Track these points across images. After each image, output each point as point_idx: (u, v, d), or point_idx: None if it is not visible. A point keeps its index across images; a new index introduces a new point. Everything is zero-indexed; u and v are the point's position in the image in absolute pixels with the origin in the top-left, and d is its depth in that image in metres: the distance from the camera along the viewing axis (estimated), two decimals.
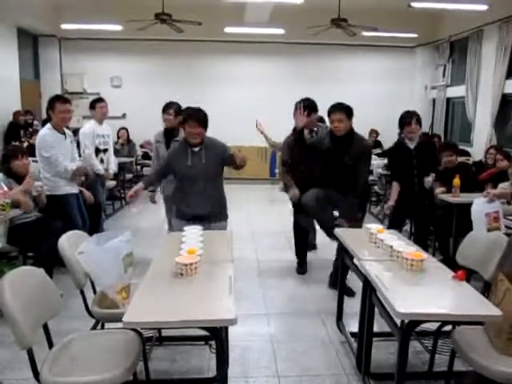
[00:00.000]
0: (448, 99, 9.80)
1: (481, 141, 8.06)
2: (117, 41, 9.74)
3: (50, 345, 2.19)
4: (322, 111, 4.23)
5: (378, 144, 9.13)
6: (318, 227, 4.44)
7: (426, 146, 4.40)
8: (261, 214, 5.83)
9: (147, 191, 4.20)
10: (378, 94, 10.29)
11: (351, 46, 9.77)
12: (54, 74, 9.92)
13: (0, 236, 3.72)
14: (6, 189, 3.69)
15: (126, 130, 8.53)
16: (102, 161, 5.34)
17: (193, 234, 2.92)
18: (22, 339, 1.90)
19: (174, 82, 9.89)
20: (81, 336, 2.35)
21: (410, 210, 4.53)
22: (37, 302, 2.09)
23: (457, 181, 4.52)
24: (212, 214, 3.60)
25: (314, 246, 5.16)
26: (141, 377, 2.56)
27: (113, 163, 5.59)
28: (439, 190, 4.77)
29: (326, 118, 4.10)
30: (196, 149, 3.60)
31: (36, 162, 4.38)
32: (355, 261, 2.92)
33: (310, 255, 4.82)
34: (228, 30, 8.89)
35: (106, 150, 5.40)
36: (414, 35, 9.36)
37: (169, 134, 4.42)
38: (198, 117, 3.55)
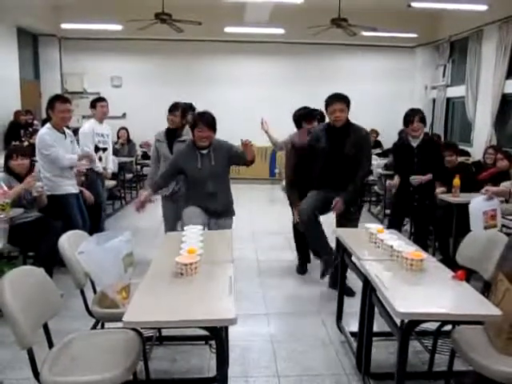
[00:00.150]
0: (448, 99, 9.81)
1: (481, 141, 8.06)
2: (117, 40, 9.74)
3: (50, 345, 2.19)
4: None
5: (378, 144, 9.13)
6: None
7: (429, 145, 4.38)
8: (261, 213, 5.84)
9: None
10: (378, 94, 10.29)
11: (351, 45, 9.77)
12: (53, 74, 9.92)
13: (0, 236, 3.73)
14: (5, 188, 3.69)
15: (126, 129, 8.53)
16: (100, 159, 5.35)
17: (193, 233, 2.92)
18: (22, 339, 1.91)
19: (173, 82, 9.89)
20: (81, 336, 2.35)
21: (409, 209, 4.53)
22: (37, 302, 2.09)
23: (457, 181, 4.52)
24: (221, 212, 3.74)
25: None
26: (141, 376, 2.56)
27: (111, 163, 5.60)
28: (439, 190, 4.77)
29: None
30: (204, 151, 3.69)
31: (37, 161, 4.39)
32: (355, 260, 2.92)
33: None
34: (228, 29, 8.89)
35: (105, 149, 5.40)
36: (414, 35, 9.36)
37: (171, 134, 4.40)
38: (207, 120, 3.65)
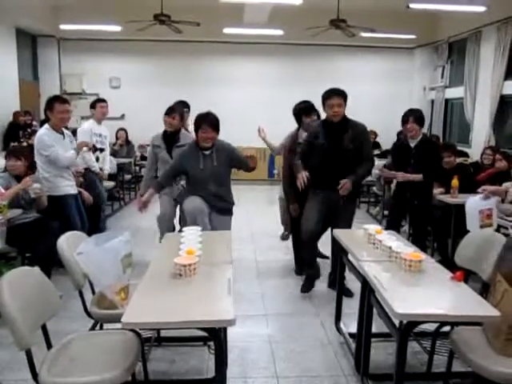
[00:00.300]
0: (447, 100, 9.82)
1: (479, 142, 8.07)
2: (116, 41, 9.74)
3: (49, 345, 2.18)
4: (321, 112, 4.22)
5: (376, 145, 9.13)
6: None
7: (427, 146, 4.38)
8: (259, 214, 5.85)
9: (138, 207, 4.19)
10: (376, 95, 10.30)
11: (350, 47, 9.78)
12: (52, 75, 9.91)
13: None
14: (2, 190, 3.70)
15: (125, 130, 8.53)
16: (97, 159, 5.36)
17: (191, 234, 2.92)
18: (20, 340, 1.90)
19: (172, 83, 9.89)
20: (80, 337, 2.35)
21: (406, 209, 4.53)
22: (35, 303, 2.09)
23: (455, 181, 4.53)
24: (221, 208, 3.80)
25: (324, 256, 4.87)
26: (139, 377, 2.56)
27: (108, 164, 5.63)
28: (438, 191, 4.78)
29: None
30: (207, 152, 3.73)
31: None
32: (353, 261, 2.92)
33: None
34: (227, 30, 8.89)
35: (102, 150, 5.41)
36: (413, 36, 9.37)
37: (169, 138, 4.37)
38: (211, 122, 3.69)
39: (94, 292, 2.77)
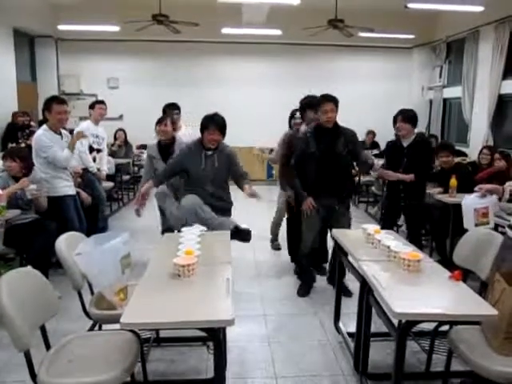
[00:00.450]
0: (445, 100, 9.82)
1: (477, 141, 8.07)
2: (114, 42, 9.72)
3: (48, 346, 2.18)
4: None
5: (375, 145, 9.15)
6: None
7: (420, 146, 4.39)
8: (258, 215, 5.84)
9: (135, 207, 4.24)
10: (375, 94, 10.30)
11: (348, 46, 9.78)
12: (50, 75, 9.88)
13: None
14: (0, 192, 3.70)
15: (124, 131, 8.52)
16: (94, 160, 5.36)
17: (190, 235, 2.92)
18: (18, 341, 1.90)
19: (171, 83, 9.89)
20: (78, 337, 2.35)
21: (398, 209, 4.54)
22: (34, 304, 2.09)
23: (453, 181, 4.53)
24: (219, 209, 3.80)
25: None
26: (139, 378, 2.56)
27: (105, 165, 5.65)
28: (436, 191, 4.79)
29: None
30: (209, 152, 3.73)
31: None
32: (352, 261, 2.92)
33: None
34: (225, 30, 8.88)
35: (99, 150, 5.42)
36: (411, 36, 9.37)
37: (164, 150, 4.35)
38: (217, 124, 3.71)
39: (92, 293, 2.77)
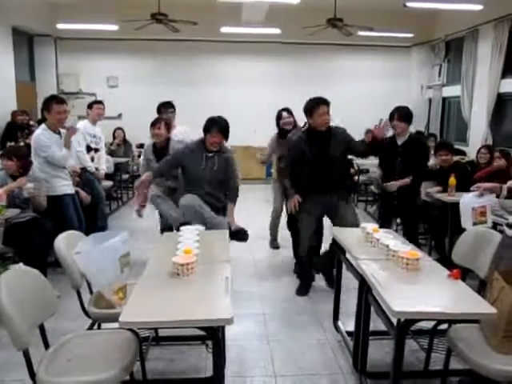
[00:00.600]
0: (444, 99, 9.83)
1: (477, 140, 8.07)
2: (113, 41, 9.71)
3: (47, 345, 2.18)
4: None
5: None
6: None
7: (414, 145, 4.39)
8: (257, 213, 5.84)
9: (136, 208, 4.37)
10: (374, 93, 10.29)
11: (347, 45, 9.77)
12: (49, 74, 9.87)
13: None
14: (0, 191, 3.71)
15: (122, 130, 8.52)
16: (92, 159, 5.36)
17: (189, 233, 2.92)
18: (17, 340, 1.90)
19: (170, 82, 9.88)
20: (77, 336, 2.35)
21: (393, 209, 4.54)
22: (33, 303, 2.09)
23: (452, 180, 4.54)
24: (217, 209, 3.83)
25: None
26: (137, 376, 2.56)
27: (104, 164, 5.65)
28: (435, 190, 4.80)
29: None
30: (210, 154, 3.75)
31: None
32: (351, 260, 2.93)
33: None
34: (224, 29, 8.87)
35: (97, 150, 5.42)
36: (410, 35, 9.37)
37: (159, 152, 4.35)
38: (220, 127, 3.73)
39: (91, 292, 2.77)
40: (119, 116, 9.99)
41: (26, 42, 9.53)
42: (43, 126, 4.29)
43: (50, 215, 4.15)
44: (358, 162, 7.49)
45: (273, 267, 4.84)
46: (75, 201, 4.51)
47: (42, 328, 2.16)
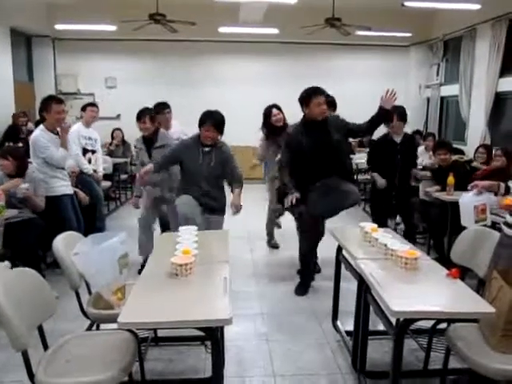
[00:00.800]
0: (442, 98, 9.84)
1: (475, 139, 8.08)
2: (111, 41, 9.70)
3: (45, 346, 2.18)
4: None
5: (372, 142, 9.13)
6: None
7: (411, 142, 4.55)
8: (256, 213, 5.83)
9: (133, 198, 4.53)
10: (372, 92, 10.18)
11: (345, 45, 9.77)
12: (47, 75, 9.85)
13: None
14: (0, 192, 3.71)
15: (121, 130, 8.51)
16: (89, 161, 5.36)
17: (188, 234, 2.92)
18: (16, 341, 1.90)
19: (168, 83, 9.88)
20: (76, 337, 2.35)
21: (391, 206, 4.54)
22: (31, 304, 2.08)
23: (451, 179, 4.54)
24: (213, 207, 3.83)
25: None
26: (136, 377, 2.56)
27: (101, 166, 5.65)
28: (433, 189, 4.80)
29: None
30: (207, 149, 3.73)
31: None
32: (350, 259, 2.93)
33: None
34: (222, 29, 8.88)
35: (93, 152, 5.42)
36: (408, 34, 9.37)
37: (148, 141, 4.41)
38: (214, 121, 3.70)
39: (90, 292, 2.76)
40: (118, 117, 9.98)
41: (24, 43, 9.52)
42: (41, 126, 4.28)
43: (48, 216, 4.14)
44: (357, 161, 7.50)
45: (271, 267, 4.84)
46: (74, 201, 4.50)
47: (40, 329, 2.16)
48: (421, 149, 6.71)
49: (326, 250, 4.35)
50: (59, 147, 4.22)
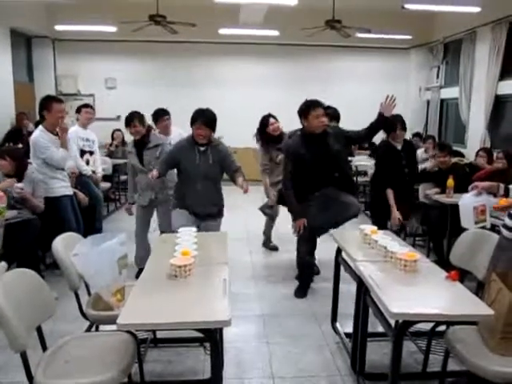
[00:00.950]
0: (442, 100, 9.85)
1: (475, 142, 8.09)
2: (111, 42, 9.71)
3: (44, 347, 2.18)
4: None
5: (372, 145, 9.14)
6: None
7: (411, 147, 4.58)
8: (255, 215, 5.83)
9: (127, 204, 4.60)
10: (372, 95, 10.26)
11: (345, 47, 9.80)
12: (47, 76, 9.86)
13: None
14: (1, 193, 3.71)
15: (121, 131, 8.50)
16: (87, 162, 5.36)
17: (187, 235, 2.92)
18: (15, 342, 1.89)
19: (168, 84, 9.90)
20: (75, 338, 2.35)
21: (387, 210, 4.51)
22: (30, 305, 2.08)
23: (450, 181, 4.55)
24: (209, 213, 3.80)
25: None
26: (135, 378, 2.56)
27: (100, 167, 5.65)
28: (433, 191, 4.80)
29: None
30: (203, 148, 3.72)
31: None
32: (349, 262, 2.93)
33: None
34: (222, 31, 8.88)
35: (91, 153, 5.41)
36: (408, 37, 9.38)
37: (139, 143, 4.36)
38: (205, 119, 3.67)
39: (89, 293, 2.76)
40: (118, 118, 9.97)
41: (24, 44, 9.53)
42: (41, 127, 4.27)
43: (47, 217, 4.14)
44: (357, 163, 7.50)
45: (270, 269, 4.84)
46: (73, 202, 4.50)
47: (39, 330, 2.16)
48: (420, 151, 6.73)
49: (325, 252, 4.38)
50: (59, 148, 4.22)
